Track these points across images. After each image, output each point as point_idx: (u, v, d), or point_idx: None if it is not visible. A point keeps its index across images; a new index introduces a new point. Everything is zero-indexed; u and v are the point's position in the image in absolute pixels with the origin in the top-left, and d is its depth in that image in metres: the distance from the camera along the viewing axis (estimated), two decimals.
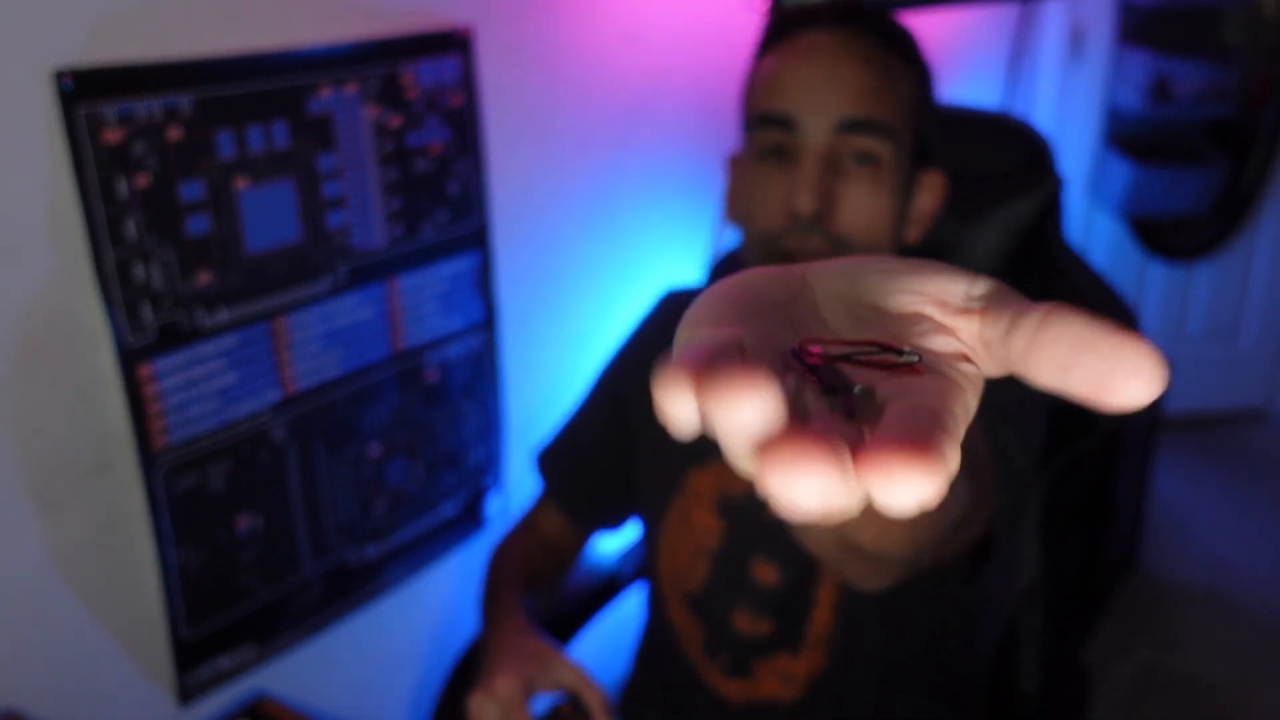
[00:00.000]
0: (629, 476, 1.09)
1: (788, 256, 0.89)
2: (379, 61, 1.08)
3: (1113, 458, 1.17)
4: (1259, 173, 2.66)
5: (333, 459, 1.13)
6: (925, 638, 0.97)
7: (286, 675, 1.15)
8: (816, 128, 0.88)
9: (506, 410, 1.32)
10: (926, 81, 0.95)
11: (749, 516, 0.98)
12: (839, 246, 0.88)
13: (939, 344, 0.29)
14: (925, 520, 0.53)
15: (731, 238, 1.33)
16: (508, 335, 1.30)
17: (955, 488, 0.54)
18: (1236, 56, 2.50)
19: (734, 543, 0.99)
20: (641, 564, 1.14)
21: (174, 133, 0.92)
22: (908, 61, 0.93)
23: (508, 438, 1.33)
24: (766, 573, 0.97)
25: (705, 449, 0.98)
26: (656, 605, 1.06)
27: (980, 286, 0.29)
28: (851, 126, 0.87)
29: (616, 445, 1.09)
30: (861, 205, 0.88)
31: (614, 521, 1.14)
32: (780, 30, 0.94)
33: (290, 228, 1.03)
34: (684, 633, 1.02)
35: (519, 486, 1.35)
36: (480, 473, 1.31)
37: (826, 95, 0.88)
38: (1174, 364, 2.49)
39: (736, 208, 0.97)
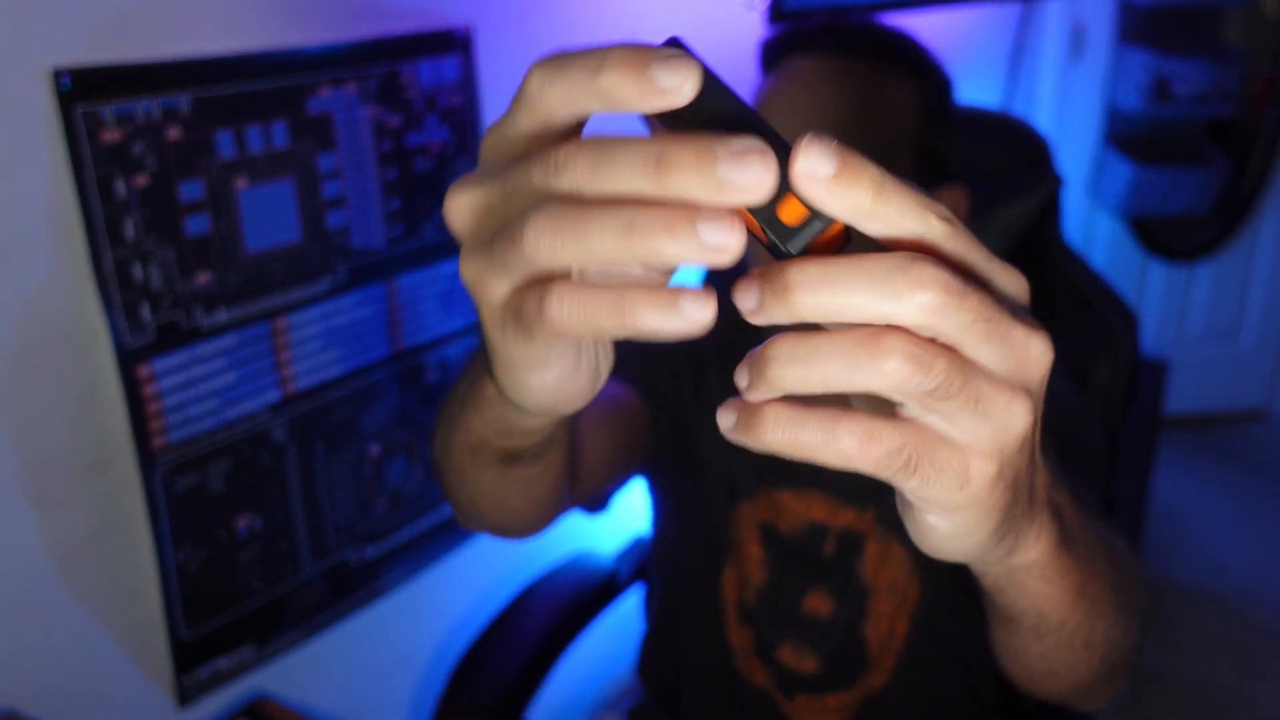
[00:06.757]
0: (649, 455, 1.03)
1: None
2: (379, 61, 1.08)
3: (1113, 458, 1.17)
4: (1259, 173, 2.66)
5: (332, 459, 1.13)
6: (979, 645, 0.96)
7: (286, 676, 1.15)
8: None
9: None
10: (933, 91, 0.91)
11: (794, 547, 0.97)
12: None
13: None
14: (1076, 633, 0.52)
15: None
16: None
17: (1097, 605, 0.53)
18: (1236, 56, 2.50)
19: (781, 574, 0.98)
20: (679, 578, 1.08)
21: (173, 132, 0.92)
22: (904, 76, 0.89)
23: None
24: (819, 605, 0.97)
25: (753, 480, 0.97)
26: (707, 623, 1.03)
27: None
28: None
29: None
30: None
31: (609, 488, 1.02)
32: (768, 55, 0.92)
33: (290, 227, 1.03)
34: (740, 649, 1.01)
35: None
36: None
37: (800, 131, 0.84)
38: (1174, 364, 2.48)
39: None
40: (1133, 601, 0.58)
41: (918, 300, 0.29)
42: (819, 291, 0.30)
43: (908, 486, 0.33)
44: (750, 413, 0.32)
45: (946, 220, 0.31)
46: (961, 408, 0.31)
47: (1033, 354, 0.31)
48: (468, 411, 0.55)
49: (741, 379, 0.32)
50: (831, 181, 0.30)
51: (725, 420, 0.33)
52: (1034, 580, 0.44)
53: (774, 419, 0.31)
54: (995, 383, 0.31)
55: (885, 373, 0.30)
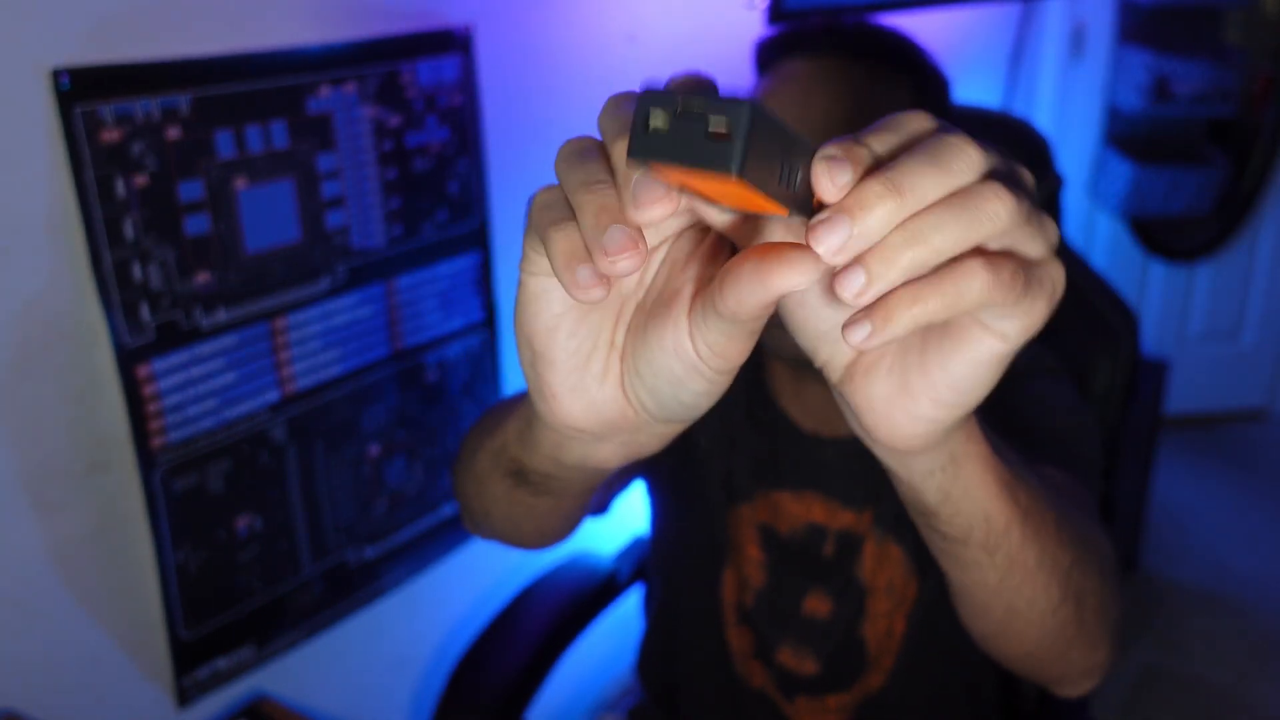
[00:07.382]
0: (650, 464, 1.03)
1: None
2: (378, 61, 1.07)
3: (1113, 458, 1.17)
4: (1259, 173, 2.66)
5: (332, 459, 1.13)
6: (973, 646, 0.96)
7: (286, 676, 1.15)
8: None
9: None
10: (931, 91, 0.91)
11: (794, 549, 0.97)
12: None
13: None
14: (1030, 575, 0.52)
15: None
16: (507, 335, 1.30)
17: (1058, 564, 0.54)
18: (1236, 56, 2.50)
19: (781, 575, 0.97)
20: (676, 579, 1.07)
21: (172, 132, 0.92)
22: (901, 77, 0.89)
23: None
24: (818, 606, 0.97)
25: (752, 482, 0.97)
26: (706, 625, 1.03)
27: None
28: None
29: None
30: None
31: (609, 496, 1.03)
32: (764, 56, 0.92)
33: (289, 227, 1.03)
34: (739, 650, 1.01)
35: None
36: None
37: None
38: (1174, 364, 2.48)
39: None
40: (1083, 536, 0.57)
41: (998, 216, 0.33)
42: (923, 236, 0.33)
43: (1019, 308, 0.36)
44: (882, 306, 0.33)
45: (963, 137, 0.34)
46: (1030, 280, 0.35)
47: (1049, 233, 0.36)
48: (509, 412, 0.58)
49: (852, 285, 0.33)
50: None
51: (859, 333, 0.34)
52: (975, 469, 0.46)
53: (909, 296, 0.33)
54: (1040, 263, 0.36)
55: (975, 290, 0.33)
